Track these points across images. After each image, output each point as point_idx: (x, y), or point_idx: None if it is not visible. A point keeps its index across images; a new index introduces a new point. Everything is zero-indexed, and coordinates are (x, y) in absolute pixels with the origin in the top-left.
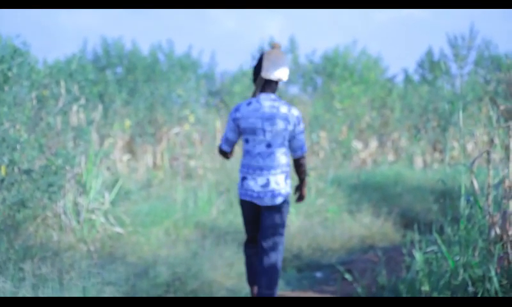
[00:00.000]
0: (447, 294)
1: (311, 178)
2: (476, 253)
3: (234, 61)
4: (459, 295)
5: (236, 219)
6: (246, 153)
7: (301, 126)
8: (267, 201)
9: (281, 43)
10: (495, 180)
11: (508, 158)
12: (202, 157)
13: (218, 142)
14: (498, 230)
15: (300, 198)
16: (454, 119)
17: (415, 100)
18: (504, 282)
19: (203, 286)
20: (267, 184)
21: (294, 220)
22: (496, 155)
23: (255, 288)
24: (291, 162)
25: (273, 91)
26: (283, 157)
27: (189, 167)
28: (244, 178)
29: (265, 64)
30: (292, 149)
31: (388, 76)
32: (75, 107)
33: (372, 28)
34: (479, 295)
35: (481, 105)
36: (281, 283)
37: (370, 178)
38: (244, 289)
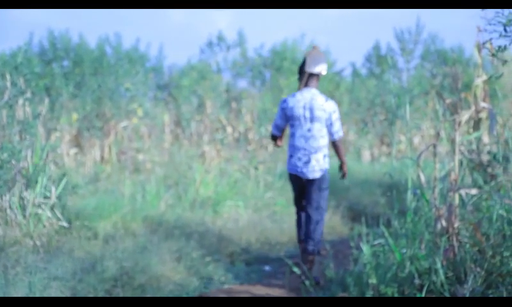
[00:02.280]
0: (394, 286)
1: (259, 172)
2: (422, 246)
3: (183, 54)
4: (405, 288)
5: (184, 213)
6: (292, 135)
7: (336, 115)
8: (308, 175)
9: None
10: (441, 173)
11: (454, 151)
12: (150, 150)
13: (167, 136)
14: (444, 223)
15: (343, 176)
16: (401, 113)
17: (362, 93)
18: (450, 274)
19: (151, 280)
20: (308, 161)
21: (243, 214)
22: (443, 149)
23: (303, 244)
24: (330, 145)
25: (315, 85)
26: (321, 140)
27: (137, 161)
28: (291, 156)
29: (308, 61)
30: (330, 133)
31: (335, 70)
32: (21, 101)
33: (320, 22)
34: (425, 288)
35: (427, 98)
36: (229, 276)
37: None
38: (192, 283)
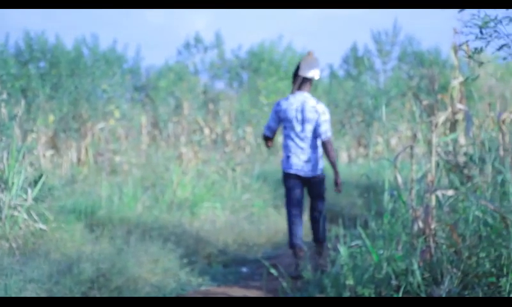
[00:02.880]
0: (371, 288)
1: (237, 174)
2: (399, 247)
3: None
4: (382, 289)
5: (161, 214)
6: (286, 136)
7: (325, 116)
8: (308, 173)
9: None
10: (417, 175)
11: (430, 152)
12: (127, 152)
13: (144, 137)
14: (420, 224)
15: (338, 190)
16: (378, 115)
17: (339, 95)
18: (426, 275)
19: (128, 282)
20: (308, 160)
21: (220, 215)
22: (419, 150)
23: (297, 250)
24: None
25: (307, 88)
26: (313, 140)
27: (114, 163)
28: (288, 156)
29: (302, 66)
30: (317, 133)
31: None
32: None
33: (297, 23)
34: (401, 289)
35: (404, 100)
36: (206, 278)
37: None
38: (169, 285)
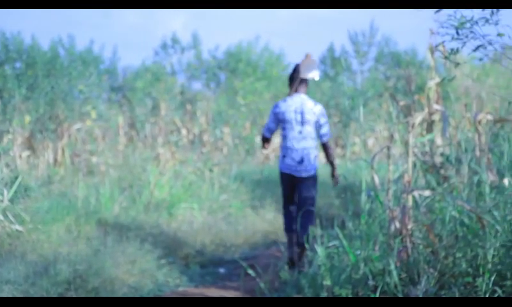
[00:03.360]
0: (348, 288)
1: (214, 174)
2: (376, 247)
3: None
4: (359, 289)
5: (139, 215)
6: (284, 137)
7: (324, 118)
8: (302, 173)
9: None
10: (394, 175)
11: (407, 153)
12: (104, 153)
13: (121, 138)
14: (397, 224)
15: (335, 183)
16: (355, 115)
17: (317, 95)
18: (403, 275)
19: (105, 283)
20: (301, 161)
21: (197, 216)
22: (396, 150)
23: (292, 236)
24: (319, 146)
25: (304, 90)
26: (311, 141)
27: (90, 164)
28: (284, 156)
29: (302, 68)
30: (319, 135)
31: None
32: None
33: (274, 24)
34: (378, 289)
35: (381, 101)
36: (184, 279)
37: (273, 174)
38: (146, 286)
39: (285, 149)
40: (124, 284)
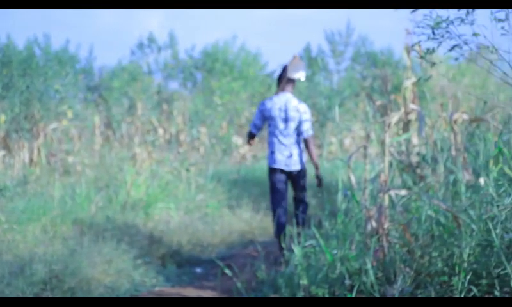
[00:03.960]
0: (325, 287)
1: (191, 174)
2: (353, 246)
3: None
4: (336, 288)
5: (115, 215)
6: (270, 134)
7: (306, 116)
8: (291, 168)
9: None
10: (371, 175)
11: (384, 153)
12: (80, 152)
13: (97, 138)
14: (374, 224)
15: (319, 184)
16: (332, 115)
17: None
18: (380, 274)
19: (81, 283)
20: (290, 155)
21: (174, 216)
22: (373, 150)
23: (280, 238)
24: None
25: (290, 89)
26: (296, 137)
27: (66, 164)
28: (272, 152)
29: (289, 68)
30: (300, 131)
31: (267, 72)
32: None
33: (251, 24)
34: (355, 288)
35: (358, 100)
36: (160, 278)
37: (250, 174)
38: (123, 285)
39: (273, 145)
40: (100, 284)
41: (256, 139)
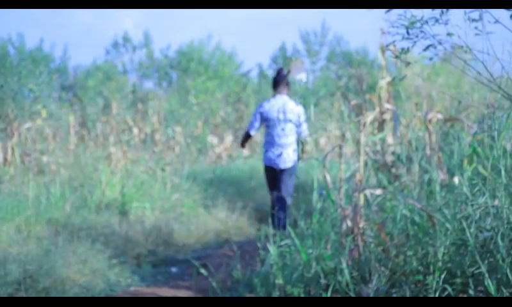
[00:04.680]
0: (300, 287)
1: (166, 174)
2: (328, 246)
3: (88, 54)
4: (311, 288)
5: (90, 215)
6: (267, 134)
7: (303, 117)
8: (281, 166)
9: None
10: (346, 174)
11: (359, 152)
12: (55, 152)
13: (72, 137)
14: (349, 223)
15: (300, 158)
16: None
17: (269, 95)
18: (355, 274)
19: (56, 283)
20: (280, 155)
21: (149, 215)
22: (348, 149)
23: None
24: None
25: (286, 92)
26: (291, 137)
27: (41, 163)
28: (266, 151)
29: (292, 69)
30: (298, 132)
31: (242, 71)
32: None
33: (226, 23)
34: (330, 287)
35: (333, 100)
36: (135, 278)
37: (226, 173)
38: (98, 285)
39: (267, 145)
40: (75, 284)
41: (231, 138)
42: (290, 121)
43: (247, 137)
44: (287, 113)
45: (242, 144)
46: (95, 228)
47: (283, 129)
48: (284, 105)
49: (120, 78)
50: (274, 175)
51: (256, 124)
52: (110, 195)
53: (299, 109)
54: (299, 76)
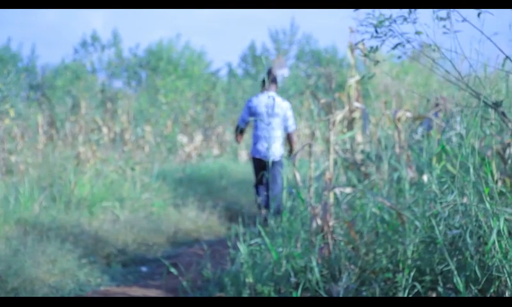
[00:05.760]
0: (270, 285)
1: (136, 173)
2: (298, 244)
3: (56, 54)
4: (281, 286)
5: (59, 215)
6: (255, 128)
7: (290, 112)
8: (269, 158)
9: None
10: (316, 172)
11: (329, 150)
12: (23, 152)
13: (40, 137)
14: (319, 221)
15: (290, 154)
16: None
17: (238, 93)
18: (325, 272)
19: (25, 283)
20: (268, 147)
21: (119, 215)
22: (318, 148)
23: (263, 211)
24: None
25: (273, 88)
26: (279, 131)
27: (9, 163)
28: (255, 144)
29: (275, 66)
30: (285, 126)
31: (212, 70)
32: None
33: (195, 22)
34: (300, 286)
35: (303, 98)
36: (105, 278)
37: (196, 172)
38: (67, 285)
39: (256, 138)
40: (44, 284)
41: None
42: (277, 115)
43: (239, 131)
44: (274, 108)
45: (237, 139)
46: (65, 228)
47: (270, 123)
48: (271, 100)
49: (89, 77)
50: (261, 167)
51: (246, 118)
52: (79, 194)
53: (286, 105)
54: (282, 72)
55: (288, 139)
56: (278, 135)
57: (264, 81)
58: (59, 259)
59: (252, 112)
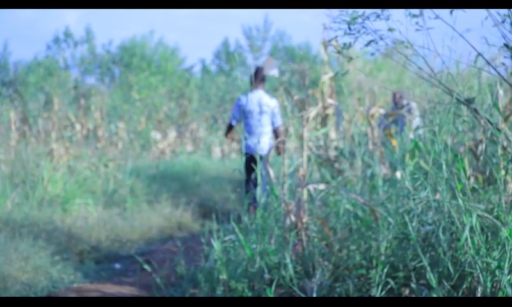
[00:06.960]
0: (244, 282)
1: (109, 169)
2: (272, 241)
3: (29, 50)
4: (255, 283)
5: (32, 211)
6: (246, 124)
7: (277, 109)
8: (258, 151)
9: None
10: (289, 169)
11: (302, 147)
12: None
13: (13, 133)
14: (293, 218)
15: (278, 153)
16: None
17: (212, 90)
18: (299, 268)
19: None
20: (258, 142)
21: (92, 211)
22: (291, 145)
23: (251, 208)
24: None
25: (262, 87)
26: (267, 127)
27: None
28: (246, 139)
29: (265, 66)
30: (272, 122)
31: (185, 66)
32: None
33: (168, 18)
34: (274, 282)
35: (276, 95)
36: (79, 275)
37: (169, 169)
38: (40, 282)
39: (246, 134)
40: (17, 281)
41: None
42: (265, 112)
43: (230, 127)
44: (263, 106)
45: (227, 135)
46: (37, 225)
47: (259, 120)
48: (260, 99)
49: (62, 73)
50: (251, 160)
51: (237, 115)
52: (52, 191)
53: (273, 102)
54: (272, 72)
55: (274, 133)
56: (266, 131)
57: (252, 80)
58: (31, 256)
59: (242, 110)
